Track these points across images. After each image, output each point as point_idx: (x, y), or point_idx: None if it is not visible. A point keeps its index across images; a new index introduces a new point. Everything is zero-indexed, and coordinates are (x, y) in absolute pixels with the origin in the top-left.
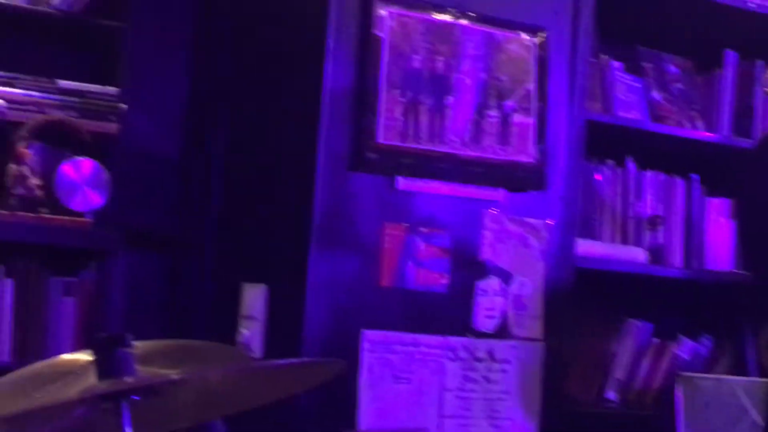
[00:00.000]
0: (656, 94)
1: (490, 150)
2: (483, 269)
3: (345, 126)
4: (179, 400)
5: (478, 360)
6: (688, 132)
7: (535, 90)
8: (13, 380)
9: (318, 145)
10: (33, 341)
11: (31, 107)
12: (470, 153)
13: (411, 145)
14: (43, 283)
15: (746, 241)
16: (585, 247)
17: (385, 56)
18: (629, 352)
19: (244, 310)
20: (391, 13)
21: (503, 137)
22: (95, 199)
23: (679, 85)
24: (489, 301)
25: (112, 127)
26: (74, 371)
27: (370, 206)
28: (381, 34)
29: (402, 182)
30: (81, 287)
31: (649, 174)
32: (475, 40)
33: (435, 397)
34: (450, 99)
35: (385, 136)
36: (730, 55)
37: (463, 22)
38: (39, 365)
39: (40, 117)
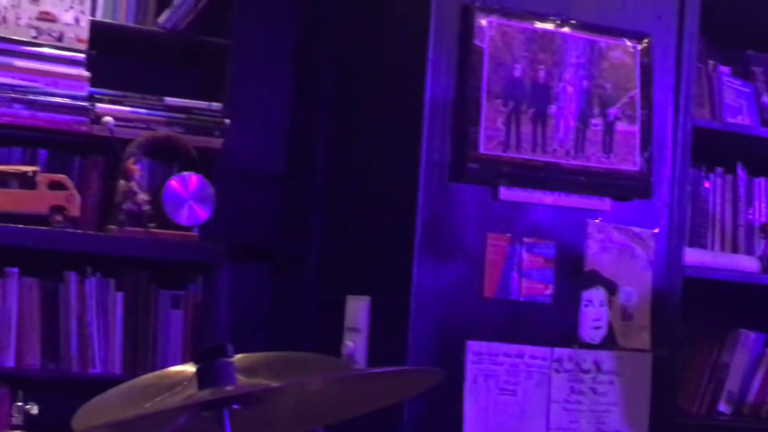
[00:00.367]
0: (767, 99)
1: (594, 158)
2: (588, 279)
3: (446, 137)
4: (280, 410)
5: (585, 371)
6: None
7: (640, 97)
8: (122, 391)
9: (420, 157)
10: (142, 354)
11: (138, 124)
12: (574, 162)
13: (513, 154)
14: (152, 297)
15: None
16: (693, 256)
17: (486, 66)
18: (742, 364)
19: (348, 322)
20: (491, 22)
21: (607, 145)
22: (201, 213)
23: None
24: (595, 312)
25: (216, 142)
26: (181, 383)
27: (472, 217)
28: (482, 45)
29: (504, 192)
30: (188, 300)
31: (760, 181)
32: (578, 48)
33: (542, 409)
34: (552, 108)
35: (486, 146)
36: None
37: (565, 30)
38: (148, 377)
39: (147, 133)
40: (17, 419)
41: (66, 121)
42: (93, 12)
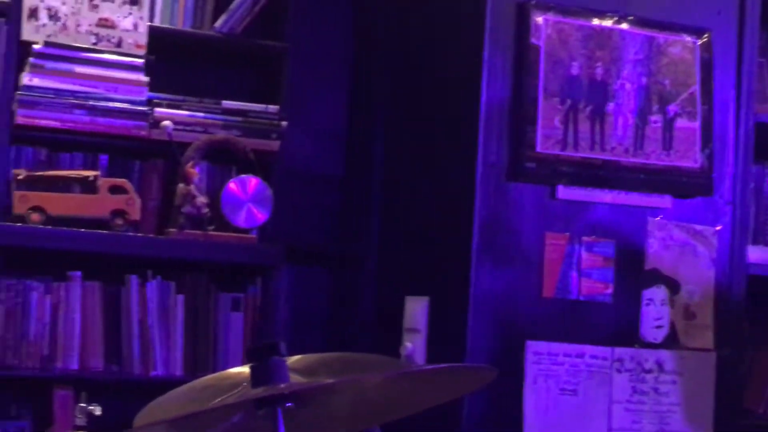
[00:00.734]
0: None
1: (654, 156)
2: (649, 278)
3: (503, 136)
4: (337, 409)
5: (647, 371)
6: None
7: (700, 93)
8: (183, 392)
9: (477, 157)
10: (203, 355)
11: (196, 128)
12: (633, 159)
13: (571, 153)
14: (212, 299)
15: None
16: (757, 253)
17: (543, 64)
18: None
19: (406, 322)
20: (547, 20)
21: (667, 142)
22: (259, 215)
23: None
24: (656, 311)
25: (274, 144)
26: (241, 383)
27: (530, 216)
28: (538, 43)
29: (563, 191)
30: (247, 302)
31: None
32: (636, 44)
33: (603, 410)
34: (611, 105)
35: (544, 145)
36: None
37: (623, 26)
38: (208, 378)
39: (205, 137)
40: (81, 420)
41: (126, 126)
42: (151, 17)
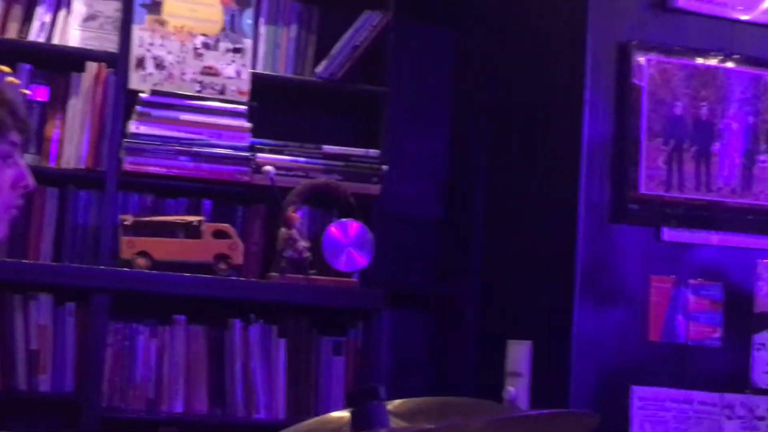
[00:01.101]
0: None
1: (763, 196)
2: (760, 321)
3: (605, 177)
4: None
5: (759, 418)
6: None
7: None
8: None
9: (578, 198)
10: (305, 399)
11: (298, 172)
12: (741, 200)
13: (676, 194)
14: (314, 343)
15: None
16: None
17: (645, 104)
18: None
19: (509, 366)
20: (649, 60)
21: None
22: (360, 259)
23: None
24: None
25: (374, 188)
26: (342, 428)
27: (634, 258)
28: (640, 83)
29: (668, 233)
30: (349, 346)
31: None
32: (742, 83)
33: None
34: (716, 145)
35: (647, 185)
36: None
37: (728, 65)
38: (310, 422)
39: (306, 182)
40: None
41: (229, 172)
42: (254, 65)
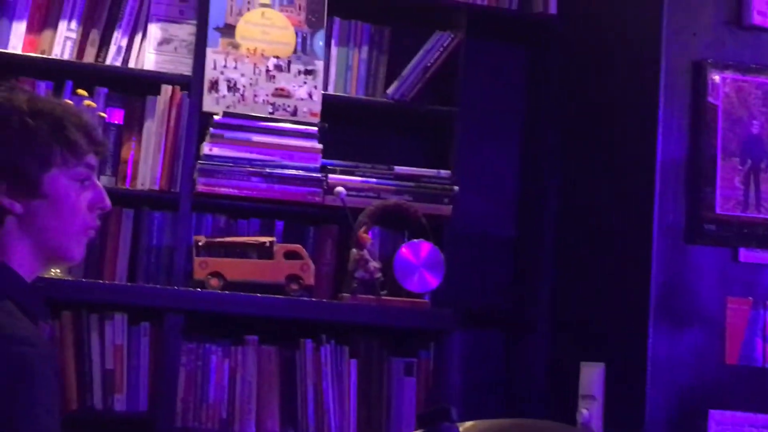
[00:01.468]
0: None
1: None
2: None
3: (680, 197)
4: None
5: None
6: None
7: None
8: None
9: (653, 219)
10: (376, 420)
11: (369, 193)
12: None
13: (753, 214)
14: (385, 364)
15: None
16: None
17: (721, 123)
18: None
19: (582, 389)
20: (725, 78)
21: None
22: (432, 280)
23: None
24: None
25: (446, 209)
26: None
27: (710, 280)
28: (715, 102)
29: (745, 254)
30: (420, 367)
31: None
32: None
33: None
34: None
35: (724, 206)
36: None
37: None
38: None
39: (378, 202)
40: None
41: (301, 193)
42: (325, 86)
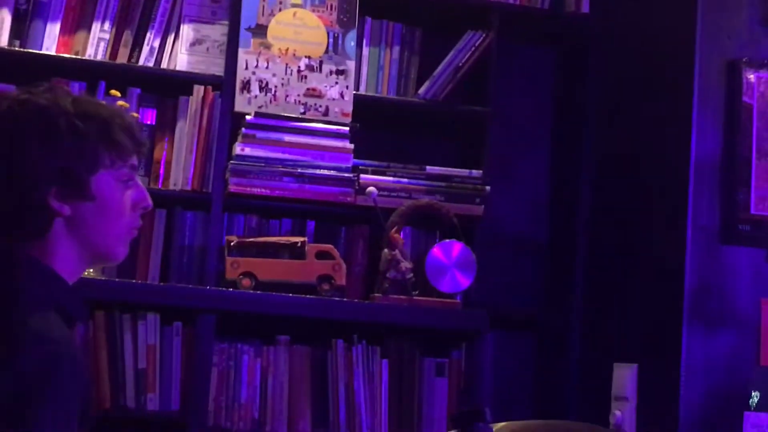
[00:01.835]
0: None
1: None
2: None
3: (714, 198)
4: None
5: None
6: None
7: None
8: None
9: (687, 220)
10: (407, 421)
11: (401, 193)
12: None
13: None
14: (417, 364)
15: None
16: None
17: (756, 123)
18: None
19: (615, 390)
20: (760, 77)
21: None
22: (463, 280)
23: None
24: None
25: (477, 209)
26: None
27: (745, 281)
28: (750, 101)
29: None
30: (452, 367)
31: None
32: None
33: None
34: None
35: (758, 206)
36: None
37: None
38: None
39: (409, 203)
40: None
41: (332, 193)
42: (357, 86)
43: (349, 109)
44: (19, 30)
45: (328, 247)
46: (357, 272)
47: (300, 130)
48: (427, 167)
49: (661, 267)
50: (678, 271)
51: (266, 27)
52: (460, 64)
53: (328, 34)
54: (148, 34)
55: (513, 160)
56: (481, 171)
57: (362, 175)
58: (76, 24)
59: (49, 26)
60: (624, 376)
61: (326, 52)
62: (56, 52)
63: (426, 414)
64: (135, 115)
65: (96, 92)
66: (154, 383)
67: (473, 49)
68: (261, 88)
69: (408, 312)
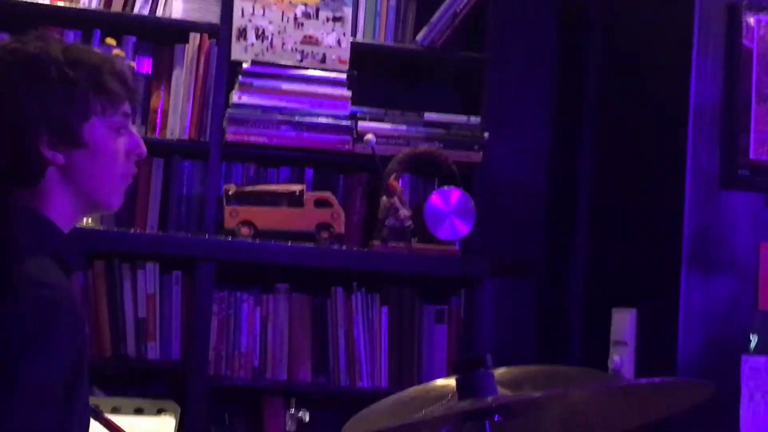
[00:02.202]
0: None
1: None
2: None
3: (714, 143)
4: (544, 423)
5: None
6: None
7: None
8: (389, 404)
9: (686, 164)
10: (407, 367)
11: (399, 141)
12: None
13: None
14: (416, 311)
15: None
16: None
17: (756, 68)
18: None
19: (614, 335)
20: (760, 21)
21: None
22: (462, 227)
23: None
24: None
25: (476, 156)
26: (447, 395)
27: (744, 226)
28: (750, 45)
29: None
30: (451, 314)
31: None
32: None
33: None
34: None
35: (757, 151)
36: None
37: None
38: (414, 390)
39: (407, 150)
40: (291, 426)
41: (330, 141)
42: (354, 33)
43: (347, 56)
44: None
45: (327, 195)
46: (355, 220)
47: (297, 78)
48: (426, 114)
49: (660, 212)
50: (677, 216)
51: None
52: (458, 10)
53: None
54: None
55: (513, 107)
56: (479, 118)
57: (360, 123)
58: None
59: None
60: (623, 321)
61: None
62: (50, 0)
63: (425, 360)
64: (132, 63)
65: (91, 41)
66: (154, 332)
67: None
68: (257, 36)
69: (407, 259)
